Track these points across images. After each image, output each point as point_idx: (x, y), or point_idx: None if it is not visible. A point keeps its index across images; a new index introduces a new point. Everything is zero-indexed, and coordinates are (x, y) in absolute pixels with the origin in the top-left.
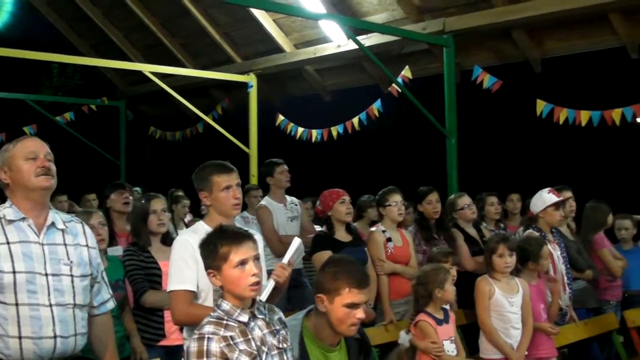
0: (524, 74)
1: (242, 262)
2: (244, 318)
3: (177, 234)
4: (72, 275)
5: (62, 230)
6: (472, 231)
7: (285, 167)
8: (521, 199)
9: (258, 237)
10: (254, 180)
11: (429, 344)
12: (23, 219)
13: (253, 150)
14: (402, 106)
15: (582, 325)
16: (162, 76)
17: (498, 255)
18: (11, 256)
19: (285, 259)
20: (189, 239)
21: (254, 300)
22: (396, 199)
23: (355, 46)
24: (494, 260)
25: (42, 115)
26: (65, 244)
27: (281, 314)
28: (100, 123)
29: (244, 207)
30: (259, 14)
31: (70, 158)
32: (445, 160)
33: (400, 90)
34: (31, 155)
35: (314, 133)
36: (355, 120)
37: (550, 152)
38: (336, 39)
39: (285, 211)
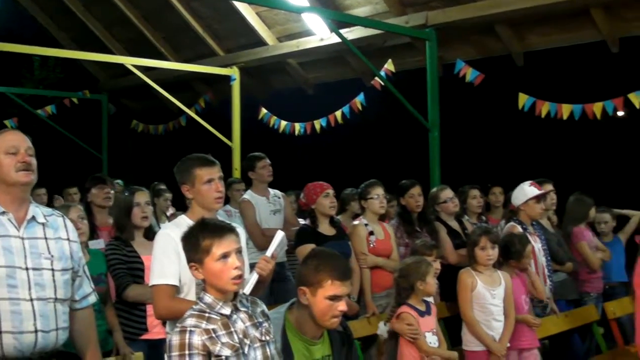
0: (506, 67)
1: (225, 255)
2: (227, 311)
3: (160, 228)
4: (53, 269)
5: (43, 224)
6: (454, 224)
7: (267, 161)
8: (504, 191)
9: (241, 230)
10: (236, 173)
11: (404, 326)
12: (3, 213)
13: (236, 144)
14: (385, 99)
15: (562, 317)
16: (145, 69)
17: (480, 247)
18: None
19: (269, 252)
20: (171, 233)
21: (236, 293)
22: (378, 192)
23: (338, 39)
24: (476, 253)
25: (24, 108)
26: (46, 238)
27: (264, 307)
28: (82, 116)
29: (227, 200)
30: (242, 7)
31: (51, 151)
32: (427, 153)
33: (383, 84)
34: (12, 150)
35: (297, 126)
36: (339, 113)
37: (532, 145)
38: (319, 32)
39: (268, 204)
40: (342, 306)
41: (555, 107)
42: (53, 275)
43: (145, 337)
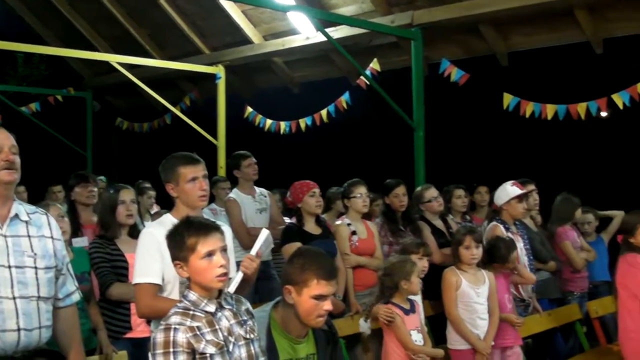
0: (491, 67)
1: (210, 254)
2: (211, 308)
3: (144, 226)
4: (36, 268)
5: (26, 222)
6: (438, 223)
7: (253, 160)
8: (489, 191)
9: (226, 228)
10: (221, 172)
11: (381, 308)
12: None
13: (221, 142)
14: (370, 99)
15: (545, 316)
16: (130, 67)
17: (465, 247)
18: None
19: (254, 251)
20: (155, 232)
21: (220, 291)
22: (361, 190)
23: (324, 38)
24: (460, 252)
25: (7, 105)
26: (29, 236)
27: (248, 305)
28: (66, 114)
29: (212, 199)
30: (228, 5)
31: (35, 149)
32: (412, 152)
33: (368, 83)
34: None
35: (283, 125)
36: (324, 112)
37: (517, 145)
38: (305, 31)
39: (254, 203)
40: (327, 305)
41: (539, 107)
42: (36, 274)
43: (129, 335)
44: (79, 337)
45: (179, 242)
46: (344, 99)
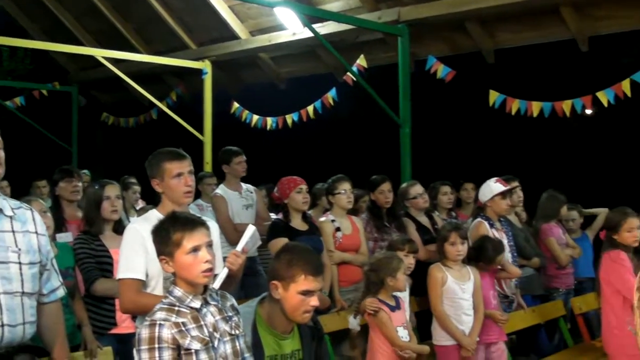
0: (477, 64)
1: (195, 249)
2: (196, 304)
3: (129, 221)
4: (20, 263)
5: (11, 217)
6: (424, 219)
7: (244, 157)
8: (475, 187)
9: (212, 224)
10: (207, 167)
11: (366, 301)
12: None
13: (207, 138)
14: (356, 95)
15: (529, 312)
16: (115, 61)
17: (450, 243)
18: None
19: (239, 247)
20: (139, 228)
21: (206, 287)
22: (345, 187)
23: (311, 34)
24: (446, 248)
25: None
26: (13, 231)
27: (234, 301)
28: (51, 108)
29: (198, 194)
30: (214, 0)
31: (20, 144)
32: (399, 149)
33: (355, 79)
34: None
35: (269, 121)
36: (310, 108)
37: (503, 141)
38: (291, 27)
39: (240, 199)
40: (314, 301)
41: (525, 104)
42: (20, 269)
43: (114, 331)
44: (64, 333)
45: (165, 237)
46: (331, 95)
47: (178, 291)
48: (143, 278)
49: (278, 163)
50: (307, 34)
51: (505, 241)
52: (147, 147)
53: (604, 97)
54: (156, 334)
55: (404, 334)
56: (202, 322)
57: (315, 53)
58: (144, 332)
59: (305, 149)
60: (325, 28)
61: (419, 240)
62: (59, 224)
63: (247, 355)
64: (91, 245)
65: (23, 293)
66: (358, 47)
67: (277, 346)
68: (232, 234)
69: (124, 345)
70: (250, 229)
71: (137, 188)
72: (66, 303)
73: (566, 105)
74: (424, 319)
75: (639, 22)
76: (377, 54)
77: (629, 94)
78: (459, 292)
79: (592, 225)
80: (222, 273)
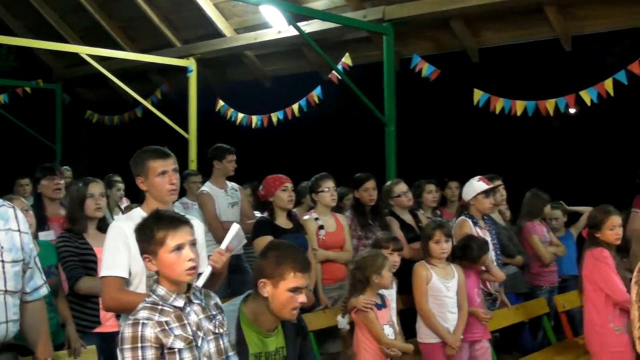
0: (462, 63)
1: (179, 247)
2: (180, 303)
3: (113, 219)
4: (2, 261)
5: None
6: (408, 218)
7: (235, 156)
8: (460, 186)
9: (196, 222)
10: (193, 165)
11: (360, 299)
12: None
13: (192, 136)
14: (341, 93)
15: (513, 310)
16: (100, 59)
17: (435, 241)
18: None
19: (223, 245)
20: (122, 226)
21: (189, 286)
22: (329, 184)
23: (296, 32)
24: (430, 247)
25: None
26: None
27: (217, 299)
28: (35, 106)
29: (183, 192)
30: None
31: (3, 141)
32: (384, 147)
33: (340, 78)
34: None
35: (254, 119)
36: (295, 106)
37: (487, 140)
38: (277, 25)
39: (226, 197)
40: (302, 298)
41: (509, 103)
42: (3, 267)
43: (98, 330)
44: (47, 331)
45: (148, 236)
46: (316, 93)
47: (161, 290)
48: (126, 276)
49: (263, 161)
50: (292, 32)
51: (489, 239)
52: (131, 145)
53: (587, 96)
54: (139, 333)
55: (389, 331)
56: (186, 321)
57: (300, 51)
58: (127, 331)
59: (291, 147)
60: (311, 26)
61: (403, 238)
62: (41, 222)
63: (231, 353)
64: (75, 244)
65: (6, 291)
66: (343, 45)
67: (262, 344)
68: (219, 231)
69: (108, 344)
70: (235, 228)
71: (122, 186)
72: (49, 301)
73: (550, 105)
74: (408, 317)
75: (621, 22)
76: (362, 53)
77: (611, 93)
78: (444, 290)
79: (576, 224)
80: (206, 271)
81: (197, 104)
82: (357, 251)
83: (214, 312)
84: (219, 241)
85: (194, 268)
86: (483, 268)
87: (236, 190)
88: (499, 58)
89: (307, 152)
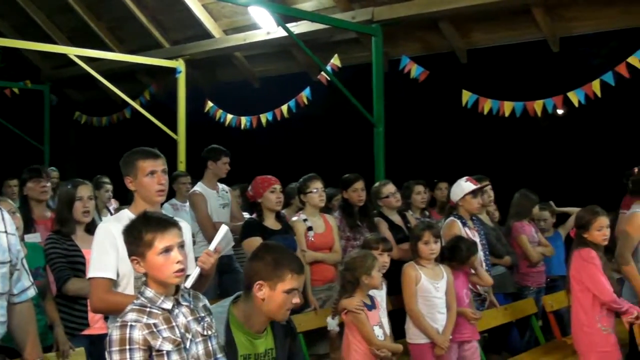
0: (450, 64)
1: (167, 249)
2: (168, 305)
3: (101, 220)
4: None
5: None
6: (396, 219)
7: (229, 159)
8: (449, 187)
9: (184, 224)
10: (182, 167)
11: (352, 301)
12: None
13: (181, 137)
14: (330, 94)
15: (502, 310)
16: (88, 60)
17: (423, 242)
18: None
19: (212, 246)
20: (110, 227)
21: (177, 287)
22: (317, 185)
23: (285, 33)
24: (419, 247)
25: None
26: None
27: (206, 301)
28: (23, 107)
29: (172, 194)
30: None
31: None
32: (372, 148)
33: (329, 79)
34: None
35: (243, 120)
36: (285, 107)
37: (476, 141)
38: (266, 26)
39: (217, 198)
40: (296, 299)
41: (497, 104)
42: None
43: (86, 332)
44: (35, 333)
45: (137, 238)
46: (305, 94)
47: (149, 292)
48: (114, 277)
49: (252, 162)
50: (281, 33)
51: (477, 240)
52: (120, 146)
53: (575, 97)
54: (127, 335)
55: (379, 332)
56: (174, 323)
57: (289, 52)
58: (115, 334)
59: (280, 148)
60: (300, 27)
61: (392, 239)
62: (28, 225)
63: (219, 355)
64: (63, 245)
65: None
66: (332, 46)
67: (251, 345)
68: (211, 231)
69: (97, 347)
70: (223, 229)
71: (110, 187)
72: (37, 303)
73: (538, 105)
74: (397, 318)
75: (608, 24)
76: (351, 54)
77: (599, 94)
78: (433, 290)
79: (564, 224)
80: (194, 272)
81: (186, 105)
82: (345, 252)
83: (203, 314)
84: (211, 242)
85: (182, 270)
86: (472, 271)
87: (227, 192)
88: (487, 59)
89: (296, 153)
